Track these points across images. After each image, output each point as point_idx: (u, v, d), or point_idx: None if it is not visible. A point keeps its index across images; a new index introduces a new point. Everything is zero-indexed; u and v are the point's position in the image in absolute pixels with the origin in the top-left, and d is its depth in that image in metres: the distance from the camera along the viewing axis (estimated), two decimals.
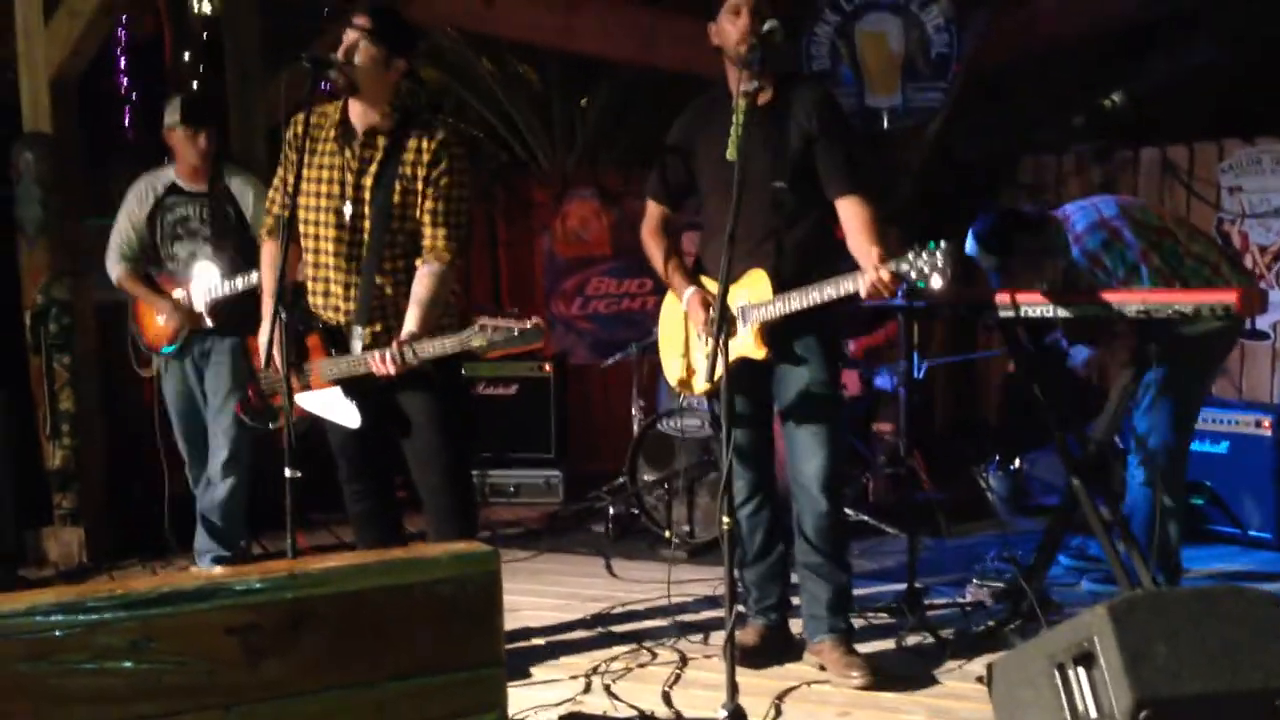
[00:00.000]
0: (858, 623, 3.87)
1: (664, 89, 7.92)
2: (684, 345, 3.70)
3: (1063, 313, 3.64)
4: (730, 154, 3.43)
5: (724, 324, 3.08)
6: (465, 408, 3.73)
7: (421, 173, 3.43)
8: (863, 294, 3.21)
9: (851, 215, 3.43)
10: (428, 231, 3.45)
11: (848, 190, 3.44)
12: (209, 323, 4.55)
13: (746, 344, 3.43)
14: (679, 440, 5.12)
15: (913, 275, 3.13)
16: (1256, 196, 5.83)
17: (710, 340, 3.48)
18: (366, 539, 3.76)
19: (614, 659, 3.78)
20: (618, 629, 4.09)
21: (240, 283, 4.47)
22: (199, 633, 1.53)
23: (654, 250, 3.75)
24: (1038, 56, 6.51)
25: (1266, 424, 4.79)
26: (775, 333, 3.45)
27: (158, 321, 4.62)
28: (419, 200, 3.45)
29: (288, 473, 3.22)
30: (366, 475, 3.68)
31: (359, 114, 3.47)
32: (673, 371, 3.77)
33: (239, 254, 4.54)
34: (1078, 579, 4.45)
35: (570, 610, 4.31)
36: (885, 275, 3.15)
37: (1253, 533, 4.80)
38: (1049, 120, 5.15)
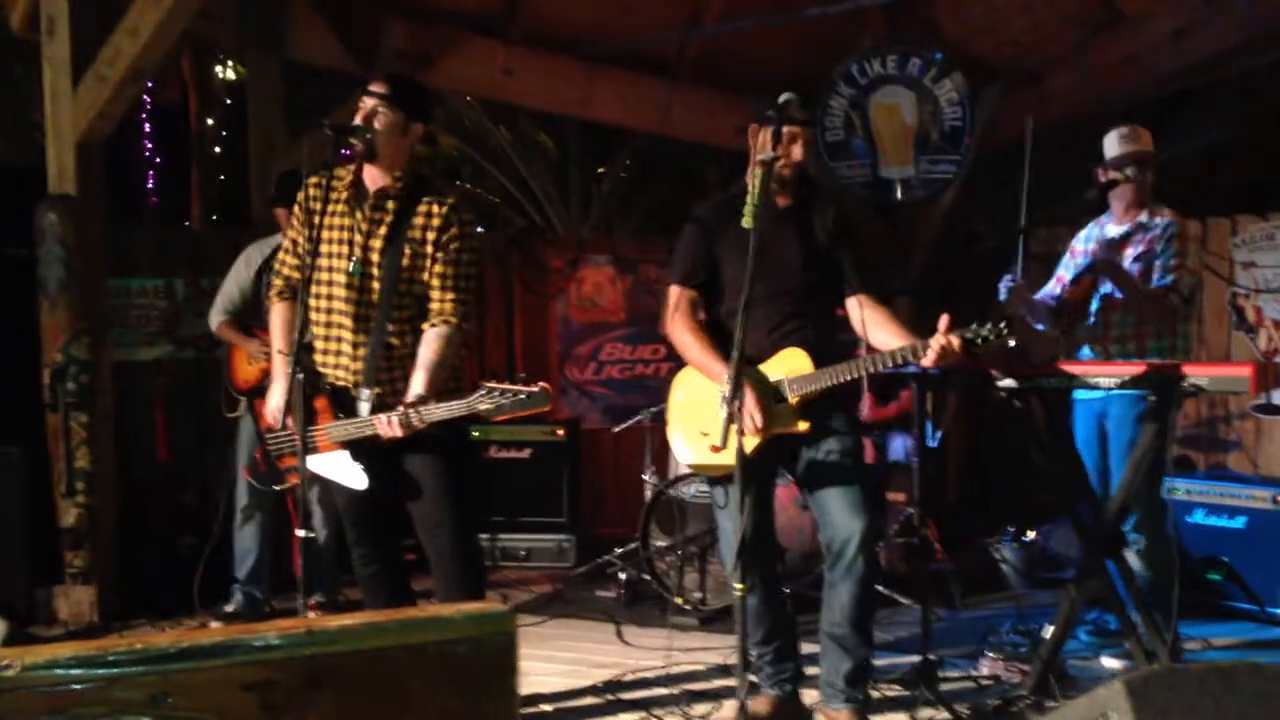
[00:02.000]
0: (871, 694, 3.83)
1: (680, 158, 8.05)
2: (706, 421, 3.59)
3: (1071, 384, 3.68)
4: (746, 222, 3.47)
5: (739, 393, 3.10)
6: (473, 471, 3.74)
7: (431, 236, 3.48)
8: (929, 361, 3.31)
9: (874, 309, 3.62)
10: (436, 295, 3.49)
11: (867, 289, 3.65)
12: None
13: (785, 418, 3.49)
14: (691, 506, 5.11)
15: (979, 343, 3.30)
16: (1270, 271, 5.85)
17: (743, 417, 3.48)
18: (374, 602, 3.75)
19: None
20: (627, 696, 4.05)
21: None
22: (216, 688, 1.53)
23: (687, 335, 3.67)
24: (1050, 131, 6.59)
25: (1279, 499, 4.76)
26: (810, 408, 3.51)
27: (246, 365, 4.97)
28: (428, 264, 3.49)
29: (300, 533, 3.23)
30: (374, 538, 3.67)
31: (373, 177, 3.53)
32: (689, 445, 3.70)
33: None
34: (1095, 653, 4.40)
35: (580, 677, 4.27)
36: (955, 341, 3.28)
37: (1270, 609, 4.75)
38: (1062, 193, 5.20)
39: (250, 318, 5.01)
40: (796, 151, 3.62)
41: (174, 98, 7.23)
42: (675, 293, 3.75)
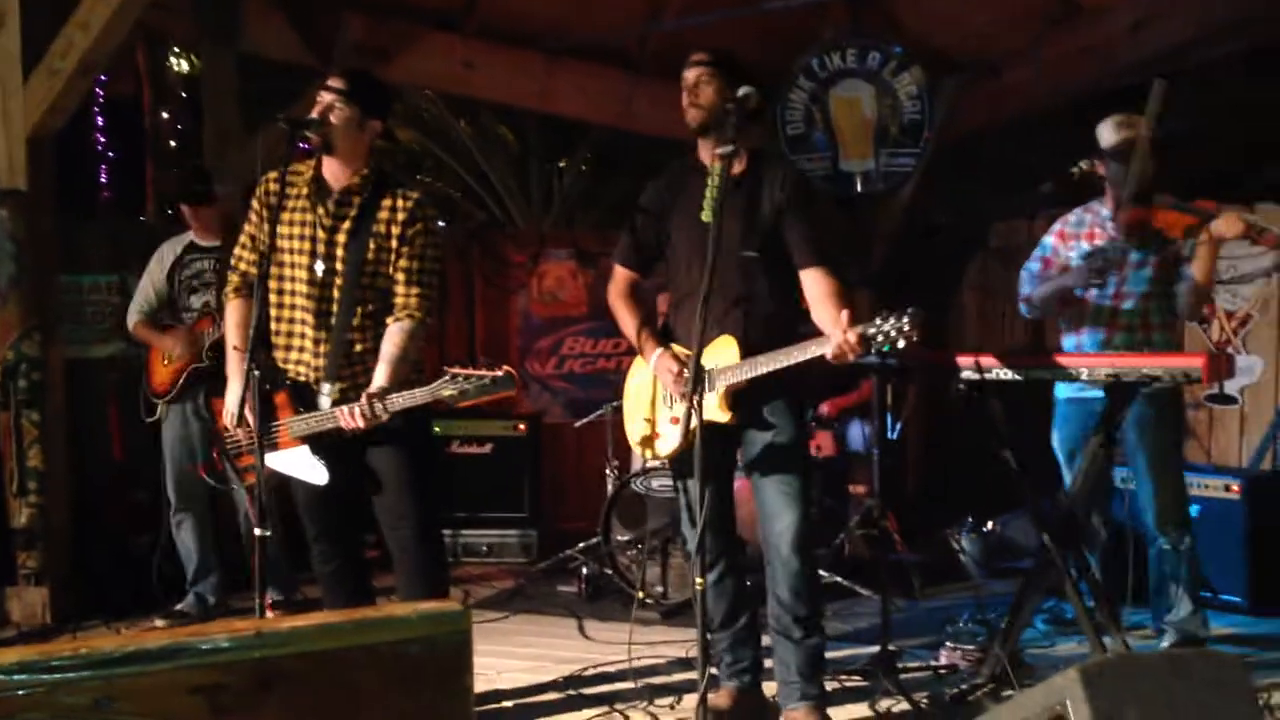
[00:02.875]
0: (831, 685, 3.85)
1: (641, 152, 8.04)
2: (649, 407, 3.70)
3: (1031, 376, 3.68)
4: (706, 216, 3.47)
5: (699, 385, 3.10)
6: (436, 465, 3.73)
7: (396, 230, 3.46)
8: (829, 356, 3.24)
9: (816, 284, 3.49)
10: (400, 289, 3.47)
11: (814, 262, 3.51)
12: (205, 361, 4.76)
13: (712, 409, 3.43)
14: (652, 500, 5.11)
15: (879, 339, 3.16)
16: (1223, 264, 5.90)
17: (676, 402, 3.52)
18: (334, 599, 3.72)
19: None
20: (589, 691, 4.05)
21: None
22: (163, 692, 1.50)
23: (623, 313, 3.76)
24: (1008, 124, 6.64)
25: (1236, 488, 4.82)
26: (741, 397, 3.47)
27: (162, 367, 4.87)
28: (392, 258, 3.47)
29: (257, 531, 3.20)
30: (334, 535, 3.65)
31: (333, 173, 3.51)
32: (635, 433, 3.76)
33: None
34: (1052, 641, 4.44)
35: (541, 672, 4.26)
36: (853, 338, 3.19)
37: (1224, 596, 4.81)
38: (1019, 186, 5.25)
39: (166, 317, 4.94)
40: (706, 94, 3.49)
41: (127, 91, 7.13)
42: (615, 269, 3.81)
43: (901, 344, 3.14)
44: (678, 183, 3.68)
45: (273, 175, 3.50)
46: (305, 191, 3.50)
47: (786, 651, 3.57)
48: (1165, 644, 4.27)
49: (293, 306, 3.52)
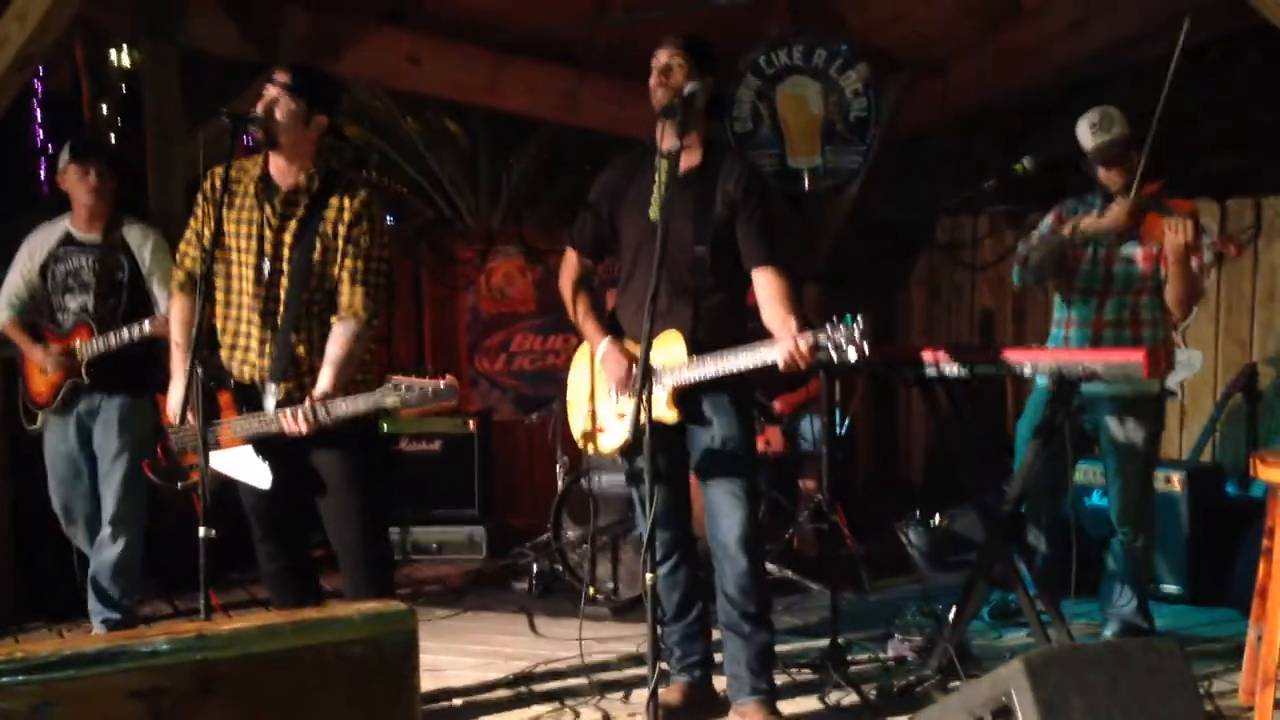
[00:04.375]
0: (781, 679, 3.87)
1: (589, 148, 8.01)
2: (590, 399, 3.69)
3: (977, 370, 3.72)
4: (653, 214, 3.47)
5: (647, 383, 3.10)
6: (382, 465, 3.69)
7: (342, 230, 3.43)
8: (780, 364, 3.24)
9: (767, 285, 3.47)
10: (345, 290, 3.44)
11: (765, 261, 3.49)
12: (85, 379, 4.42)
13: (659, 407, 3.41)
14: (603, 497, 5.10)
15: (829, 347, 3.16)
16: None
17: (621, 398, 3.51)
18: (281, 598, 3.69)
19: (536, 719, 3.73)
20: (539, 688, 4.04)
21: (114, 339, 4.35)
22: (102, 697, 1.48)
23: (571, 299, 3.76)
24: (953, 122, 6.70)
25: (1177, 480, 4.90)
26: (687, 395, 3.46)
27: (40, 374, 4.51)
28: (338, 259, 3.43)
29: (202, 532, 3.16)
30: (280, 535, 3.61)
31: (280, 170, 3.46)
32: (577, 424, 3.75)
33: (128, 308, 4.45)
34: (998, 633, 4.50)
35: (492, 669, 4.25)
36: (803, 346, 3.19)
37: (1165, 587, 4.89)
38: (964, 183, 5.30)
39: (43, 317, 4.56)
40: (677, 77, 3.43)
41: (66, 85, 7.01)
42: (568, 253, 3.80)
43: (852, 354, 3.12)
44: (628, 174, 3.66)
45: (218, 170, 3.42)
46: (253, 189, 3.46)
47: (736, 647, 3.58)
48: (1108, 633, 4.35)
49: (239, 305, 3.48)
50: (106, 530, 4.49)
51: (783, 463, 5.59)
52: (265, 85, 3.46)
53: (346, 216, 3.43)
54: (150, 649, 1.51)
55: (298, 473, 3.47)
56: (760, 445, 4.92)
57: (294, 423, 3.26)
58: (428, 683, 3.84)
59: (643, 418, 3.09)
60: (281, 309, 3.43)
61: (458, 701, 3.93)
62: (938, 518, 5.69)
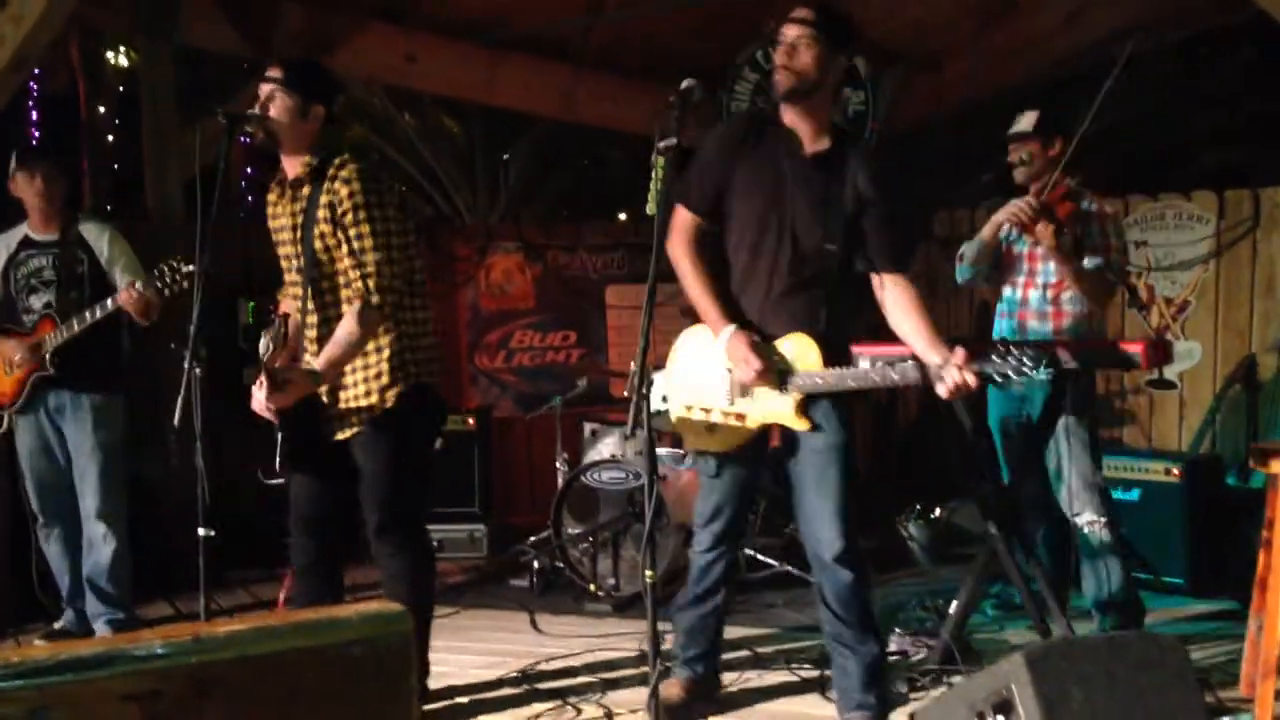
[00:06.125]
0: (783, 676, 3.87)
1: (585, 144, 8.02)
2: (701, 390, 3.45)
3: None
4: (650, 209, 3.46)
5: (645, 379, 3.06)
6: (422, 458, 3.71)
7: (333, 214, 3.43)
8: (943, 395, 3.11)
9: (901, 294, 3.32)
10: (352, 274, 3.44)
11: (898, 267, 3.35)
12: (50, 369, 4.44)
13: (785, 413, 3.29)
14: (603, 493, 5.10)
15: (997, 379, 3.08)
16: (1161, 250, 6.01)
17: (739, 400, 3.36)
18: (303, 594, 3.74)
19: (538, 716, 3.73)
20: (542, 685, 4.04)
21: (77, 324, 4.38)
22: (98, 701, 1.47)
23: (688, 268, 3.40)
24: (950, 116, 6.70)
25: (1176, 471, 4.90)
26: (805, 400, 3.30)
27: (3, 376, 4.53)
28: (339, 243, 3.44)
29: (201, 532, 3.16)
30: (312, 531, 3.64)
31: (289, 165, 3.57)
32: (684, 412, 3.50)
33: (92, 300, 4.45)
34: (1000, 627, 4.50)
35: (494, 667, 4.25)
36: (971, 379, 3.06)
37: (1165, 578, 4.89)
38: (962, 177, 5.29)
39: (9, 319, 4.57)
40: (803, 59, 3.22)
41: (63, 85, 7.00)
42: (680, 212, 3.45)
43: (1014, 378, 3.04)
44: (756, 136, 3.39)
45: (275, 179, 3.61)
46: (281, 190, 3.57)
47: (844, 659, 3.47)
48: (1099, 619, 4.30)
49: (296, 298, 3.59)
50: (97, 530, 4.52)
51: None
52: (260, 83, 3.50)
53: (328, 199, 3.43)
54: (146, 652, 1.51)
55: (339, 470, 3.54)
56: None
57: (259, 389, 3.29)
58: (432, 681, 3.85)
59: (643, 408, 3.03)
60: (310, 301, 3.52)
61: (462, 699, 3.92)
62: (938, 511, 5.69)
